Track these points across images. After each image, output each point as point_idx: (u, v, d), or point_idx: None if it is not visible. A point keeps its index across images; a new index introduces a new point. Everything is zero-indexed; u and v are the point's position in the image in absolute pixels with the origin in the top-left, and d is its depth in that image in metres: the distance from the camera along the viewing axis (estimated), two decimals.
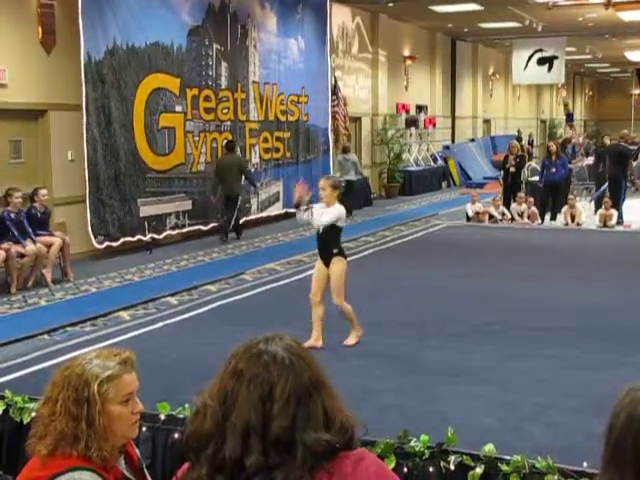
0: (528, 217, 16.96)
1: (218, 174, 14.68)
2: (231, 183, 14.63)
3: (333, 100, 19.41)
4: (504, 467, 3.37)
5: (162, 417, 4.12)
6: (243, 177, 14.88)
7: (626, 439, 1.51)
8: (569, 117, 32.76)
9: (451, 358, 7.16)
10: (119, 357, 2.31)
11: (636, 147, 20.60)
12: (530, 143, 34.14)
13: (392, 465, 3.45)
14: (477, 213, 17.22)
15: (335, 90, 19.55)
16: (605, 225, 16.13)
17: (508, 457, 3.42)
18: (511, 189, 17.71)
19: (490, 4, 20.36)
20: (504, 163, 18.03)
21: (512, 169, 17.53)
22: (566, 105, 34.72)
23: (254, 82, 16.42)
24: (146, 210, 13.40)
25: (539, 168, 18.99)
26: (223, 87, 15.48)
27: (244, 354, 1.80)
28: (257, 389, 1.73)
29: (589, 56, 34.11)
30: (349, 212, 18.67)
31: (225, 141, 15.32)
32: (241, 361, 1.78)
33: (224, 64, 15.47)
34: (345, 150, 19.25)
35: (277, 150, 17.48)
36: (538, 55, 26.47)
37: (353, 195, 18.16)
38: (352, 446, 1.79)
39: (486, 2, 20.14)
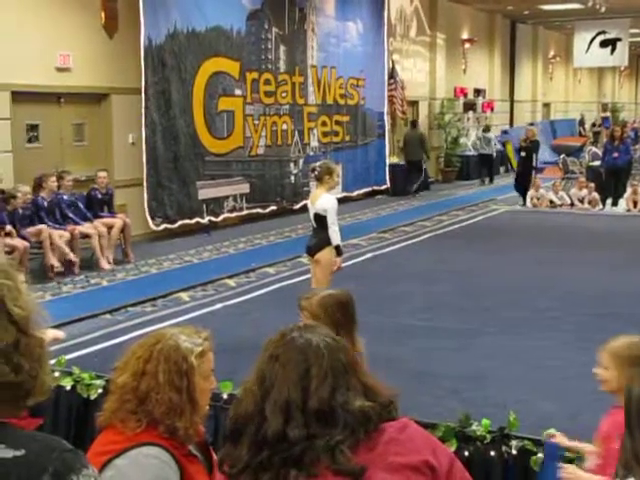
0: (589, 203, 16.69)
1: (404, 145, 19.36)
2: (413, 151, 18.99)
3: (391, 84, 19.31)
4: (566, 453, 3.34)
5: (224, 396, 4.18)
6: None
7: None
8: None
9: (509, 343, 7.12)
10: (203, 334, 2.37)
11: None
12: (606, 126, 33.22)
13: (453, 449, 3.45)
14: (536, 198, 17.01)
15: (393, 74, 19.43)
16: None
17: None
18: (522, 174, 17.30)
19: None
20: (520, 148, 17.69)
21: (522, 153, 17.18)
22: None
23: (312, 66, 16.42)
24: (204, 193, 13.53)
25: (600, 153, 18.64)
26: (282, 71, 15.52)
27: (279, 341, 1.88)
28: (294, 370, 1.81)
29: None
30: (491, 180, 21.82)
31: (411, 120, 20.06)
32: (277, 347, 1.86)
33: (283, 48, 15.50)
34: (485, 129, 22.86)
35: (336, 134, 17.46)
36: (601, 37, 25.90)
37: (491, 166, 22.29)
38: (395, 417, 1.84)
39: None
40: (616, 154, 16.81)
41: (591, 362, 6.38)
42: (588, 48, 26.14)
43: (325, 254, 7.14)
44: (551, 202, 16.87)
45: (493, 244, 12.61)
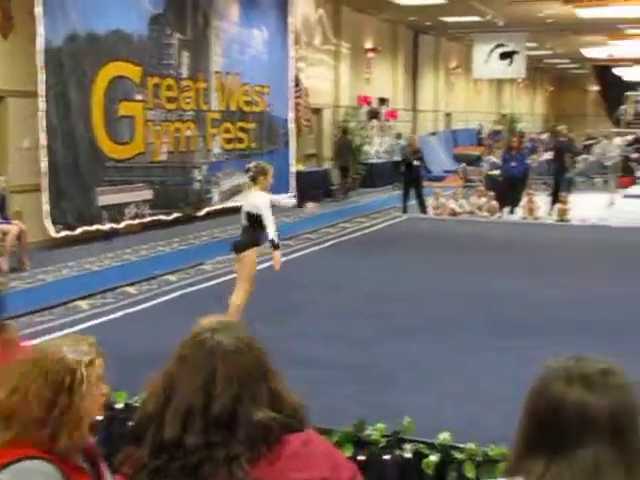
0: (488, 210, 17.13)
1: (334, 151, 21.23)
2: (343, 157, 20.80)
3: (296, 92, 19.39)
4: (458, 455, 3.42)
5: (119, 406, 4.11)
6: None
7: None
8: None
9: (409, 349, 7.22)
10: (88, 341, 2.30)
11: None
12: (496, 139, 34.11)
13: (348, 454, 3.48)
14: (437, 207, 17.37)
15: (297, 81, 19.52)
16: (562, 219, 16.35)
17: (462, 445, 3.47)
18: (415, 182, 17.49)
19: None
20: (406, 157, 17.82)
21: (416, 162, 17.42)
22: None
23: (216, 72, 16.33)
24: (105, 199, 13.26)
25: (499, 162, 19.16)
26: (185, 76, 15.37)
27: (190, 341, 1.83)
28: (200, 373, 1.76)
29: (549, 52, 34.49)
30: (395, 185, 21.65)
31: (342, 127, 21.65)
32: (186, 347, 1.81)
33: (185, 53, 15.35)
34: (398, 137, 24.91)
35: (240, 140, 17.41)
36: (499, 50, 26.67)
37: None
38: (301, 429, 1.81)
39: None
40: (513, 163, 17.34)
41: (493, 366, 6.58)
42: (487, 60, 26.87)
43: (248, 254, 7.28)
44: (452, 210, 17.25)
45: (395, 251, 12.79)
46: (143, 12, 14.14)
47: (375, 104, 25.03)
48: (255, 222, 7.22)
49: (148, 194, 14.37)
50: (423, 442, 3.51)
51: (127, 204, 13.89)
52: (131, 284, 9.95)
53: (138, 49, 14.02)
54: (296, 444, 1.76)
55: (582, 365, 1.61)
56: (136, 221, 14.13)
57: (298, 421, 1.81)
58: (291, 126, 19.25)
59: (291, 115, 19.21)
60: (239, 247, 7.36)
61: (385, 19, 25.37)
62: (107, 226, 13.28)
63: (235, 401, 1.74)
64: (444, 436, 3.48)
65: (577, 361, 1.63)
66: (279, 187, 18.43)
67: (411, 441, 3.54)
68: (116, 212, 13.58)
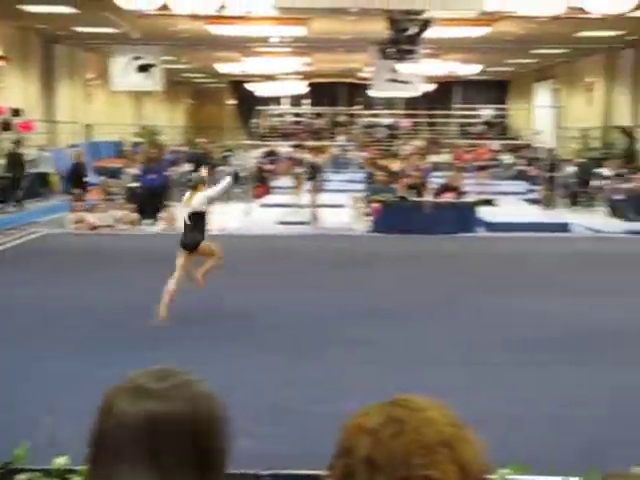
0: (130, 223, 17.06)
1: (7, 164, 20.62)
2: (15, 170, 20.53)
3: None
4: (76, 478, 3.33)
5: None
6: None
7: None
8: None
9: (73, 366, 6.98)
10: None
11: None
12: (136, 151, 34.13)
13: None
14: (78, 222, 16.92)
15: None
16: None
17: (80, 467, 3.39)
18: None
19: (85, 8, 20.06)
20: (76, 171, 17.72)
21: (85, 178, 17.49)
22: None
23: None
24: None
25: (140, 174, 19.19)
26: None
27: None
28: None
29: (187, 66, 35.34)
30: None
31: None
32: None
33: None
34: (41, 149, 24.21)
35: None
36: (136, 62, 26.69)
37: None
38: None
39: (81, 5, 19.81)
40: (153, 175, 17.49)
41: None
42: (125, 72, 26.76)
43: (204, 244, 8.67)
44: (93, 224, 16.90)
45: (37, 269, 12.24)
46: None
47: (7, 115, 23.69)
48: (200, 219, 8.64)
49: None
50: (39, 470, 3.38)
51: None
52: None
53: None
54: None
55: (147, 377, 1.51)
56: None
57: None
58: None
59: None
60: (191, 244, 8.60)
61: (14, 26, 24.15)
62: None
63: None
64: (59, 460, 3.38)
65: (147, 375, 1.57)
66: None
67: (26, 470, 3.38)
68: None
